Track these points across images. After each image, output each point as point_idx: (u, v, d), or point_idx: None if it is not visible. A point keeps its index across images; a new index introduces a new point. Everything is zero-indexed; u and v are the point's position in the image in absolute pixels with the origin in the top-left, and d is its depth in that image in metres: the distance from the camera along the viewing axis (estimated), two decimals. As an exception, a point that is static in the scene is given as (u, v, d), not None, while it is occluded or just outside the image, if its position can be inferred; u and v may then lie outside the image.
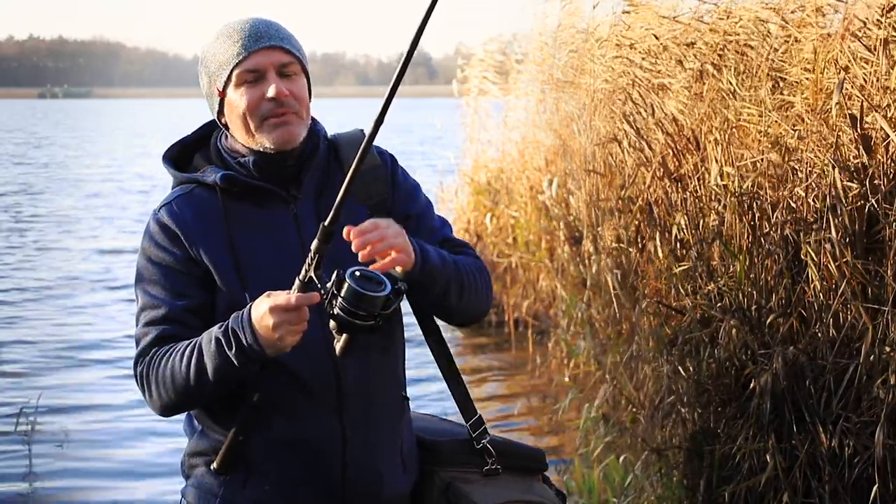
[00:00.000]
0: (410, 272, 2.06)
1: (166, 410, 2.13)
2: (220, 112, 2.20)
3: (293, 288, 1.95)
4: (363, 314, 1.91)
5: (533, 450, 2.42)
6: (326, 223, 1.93)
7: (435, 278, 2.12)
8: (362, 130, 2.29)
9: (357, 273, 1.93)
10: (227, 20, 2.23)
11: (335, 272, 1.93)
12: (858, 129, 3.44)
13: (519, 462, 2.33)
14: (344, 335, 1.95)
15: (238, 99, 2.14)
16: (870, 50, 3.50)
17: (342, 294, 1.91)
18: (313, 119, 2.26)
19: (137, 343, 2.15)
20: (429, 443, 2.30)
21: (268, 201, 2.17)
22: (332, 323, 1.94)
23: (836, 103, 3.50)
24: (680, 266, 4.17)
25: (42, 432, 6.08)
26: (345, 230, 1.98)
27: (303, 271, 1.95)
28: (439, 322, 2.31)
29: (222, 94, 2.17)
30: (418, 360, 2.38)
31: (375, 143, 2.27)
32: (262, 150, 2.15)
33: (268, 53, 2.13)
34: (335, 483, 2.15)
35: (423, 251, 2.10)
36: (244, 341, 1.99)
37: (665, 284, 4.38)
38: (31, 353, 8.26)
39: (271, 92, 2.11)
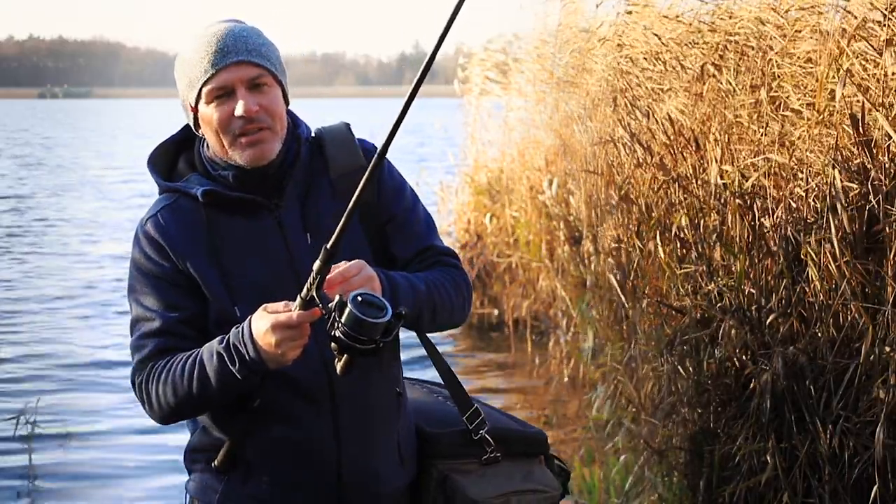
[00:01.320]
0: None
1: (166, 420, 2.16)
2: (196, 124, 2.19)
3: (294, 305, 1.96)
4: (364, 339, 1.92)
5: (532, 434, 2.41)
6: (329, 245, 1.93)
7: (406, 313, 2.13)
8: (347, 125, 2.29)
9: (359, 298, 1.92)
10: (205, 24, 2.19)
11: (338, 296, 1.93)
12: (860, 129, 3.44)
13: (519, 448, 2.34)
14: (345, 356, 1.95)
15: (209, 116, 2.13)
16: (876, 50, 3.50)
17: (343, 319, 1.91)
18: (294, 120, 2.24)
19: (133, 355, 2.16)
20: (428, 434, 2.31)
21: (251, 211, 2.16)
22: (332, 345, 1.94)
23: (838, 102, 3.50)
24: (684, 269, 4.17)
25: (42, 434, 6.08)
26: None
27: (304, 290, 1.95)
28: None
29: (194, 110, 2.16)
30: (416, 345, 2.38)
31: (367, 138, 2.29)
32: (236, 164, 2.15)
33: (235, 69, 2.10)
34: (331, 483, 2.17)
35: (395, 290, 2.10)
36: (247, 356, 2.00)
37: (666, 284, 4.38)
38: (34, 357, 8.24)
39: (239, 110, 2.09)
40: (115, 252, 13.40)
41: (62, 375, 7.71)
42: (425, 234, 2.30)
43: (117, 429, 6.48)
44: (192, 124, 2.20)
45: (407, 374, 2.40)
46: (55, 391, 7.24)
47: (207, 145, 2.20)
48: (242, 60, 2.10)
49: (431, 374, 2.35)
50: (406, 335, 2.32)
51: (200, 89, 2.12)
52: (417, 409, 2.37)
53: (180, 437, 2.34)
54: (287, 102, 2.20)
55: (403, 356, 2.35)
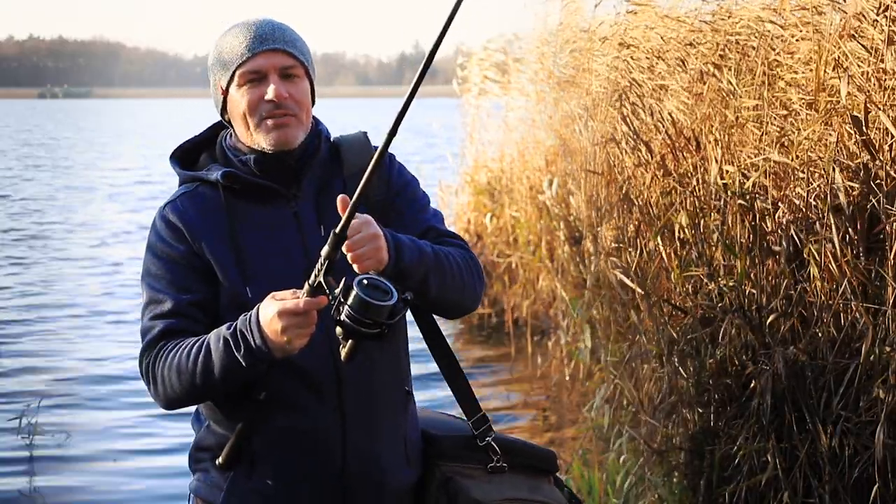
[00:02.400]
0: (383, 271, 2.06)
1: (171, 404, 2.16)
2: (224, 108, 2.24)
3: (302, 292, 1.97)
4: (369, 322, 1.93)
5: (542, 450, 2.43)
6: (337, 230, 1.95)
7: (411, 273, 2.12)
8: (364, 133, 2.33)
9: (364, 281, 1.94)
10: (232, 20, 2.29)
11: (343, 279, 1.94)
12: (862, 129, 3.44)
13: (527, 461, 2.34)
14: (349, 341, 1.96)
15: (239, 98, 2.18)
16: (868, 50, 3.51)
17: (349, 302, 1.93)
18: (316, 120, 2.29)
19: (143, 336, 2.18)
20: (432, 437, 2.32)
21: (269, 199, 2.20)
22: (338, 329, 1.96)
23: (840, 103, 3.50)
24: (684, 270, 4.17)
25: (43, 432, 6.07)
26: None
27: (312, 276, 1.97)
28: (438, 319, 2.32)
29: (225, 93, 2.21)
30: (425, 356, 2.38)
31: (376, 142, 2.30)
32: (260, 149, 2.18)
33: (271, 56, 2.16)
34: (336, 474, 2.17)
35: (399, 248, 2.10)
36: (252, 343, 2.01)
37: (667, 284, 4.38)
38: (35, 369, 8.19)
39: (270, 94, 2.15)
40: (122, 257, 13.13)
41: (63, 389, 7.64)
42: (430, 220, 2.32)
43: (119, 425, 6.47)
44: (219, 109, 2.24)
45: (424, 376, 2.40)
46: (56, 405, 7.20)
47: (231, 135, 2.25)
48: (279, 48, 2.17)
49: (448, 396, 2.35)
50: (418, 345, 2.33)
51: (234, 71, 2.17)
52: (424, 419, 2.38)
53: (184, 433, 2.33)
54: (314, 99, 2.25)
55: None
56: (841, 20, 3.68)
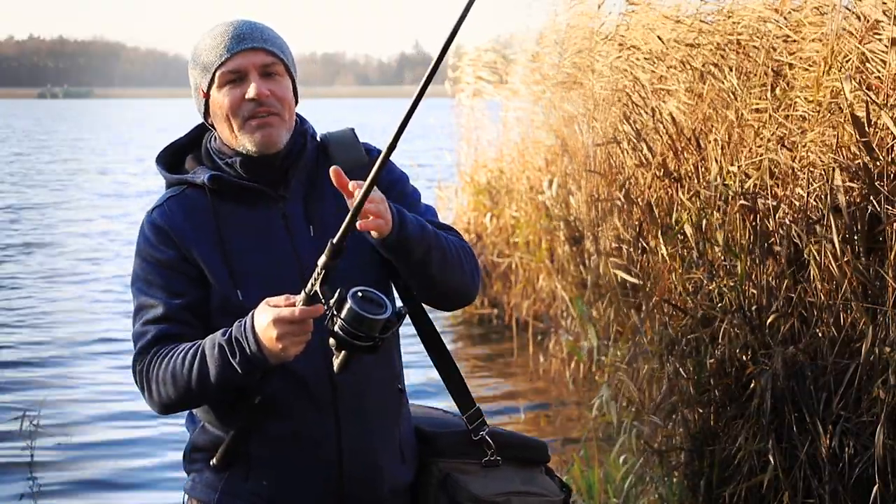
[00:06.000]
0: (386, 238, 2.06)
1: (165, 409, 2.16)
2: (207, 113, 2.23)
3: (298, 300, 1.97)
4: (362, 335, 1.92)
5: (534, 441, 2.42)
6: (335, 240, 1.94)
7: (413, 246, 2.11)
8: (352, 130, 2.32)
9: (359, 294, 1.92)
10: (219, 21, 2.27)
11: (337, 290, 1.93)
12: (863, 130, 3.44)
13: (520, 454, 2.34)
14: (342, 352, 1.95)
15: (221, 99, 2.16)
16: (879, 52, 3.50)
17: (342, 315, 1.91)
18: (301, 118, 2.28)
19: (136, 342, 2.17)
20: (427, 434, 2.32)
21: (257, 201, 2.19)
22: (331, 340, 1.94)
23: (849, 97, 3.50)
24: (686, 272, 4.17)
25: (44, 432, 6.07)
26: (336, 179, 2.00)
27: (308, 285, 1.96)
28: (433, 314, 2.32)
29: (206, 96, 2.20)
30: (418, 353, 2.39)
31: (368, 141, 2.32)
32: (244, 151, 2.17)
33: (250, 55, 2.15)
34: (333, 476, 2.17)
35: (402, 218, 2.10)
36: (248, 350, 2.01)
37: (667, 284, 4.38)
38: (36, 351, 8.18)
39: (251, 92, 2.13)
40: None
41: (65, 370, 7.65)
42: (424, 214, 2.30)
43: (118, 423, 6.47)
44: (201, 113, 2.23)
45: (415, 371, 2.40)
46: (57, 387, 7.20)
47: (216, 137, 2.24)
48: (257, 47, 2.16)
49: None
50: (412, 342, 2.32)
51: (214, 73, 2.16)
52: (417, 416, 2.38)
53: (183, 433, 2.32)
54: (296, 98, 2.24)
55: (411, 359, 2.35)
56: (843, 19, 3.67)
